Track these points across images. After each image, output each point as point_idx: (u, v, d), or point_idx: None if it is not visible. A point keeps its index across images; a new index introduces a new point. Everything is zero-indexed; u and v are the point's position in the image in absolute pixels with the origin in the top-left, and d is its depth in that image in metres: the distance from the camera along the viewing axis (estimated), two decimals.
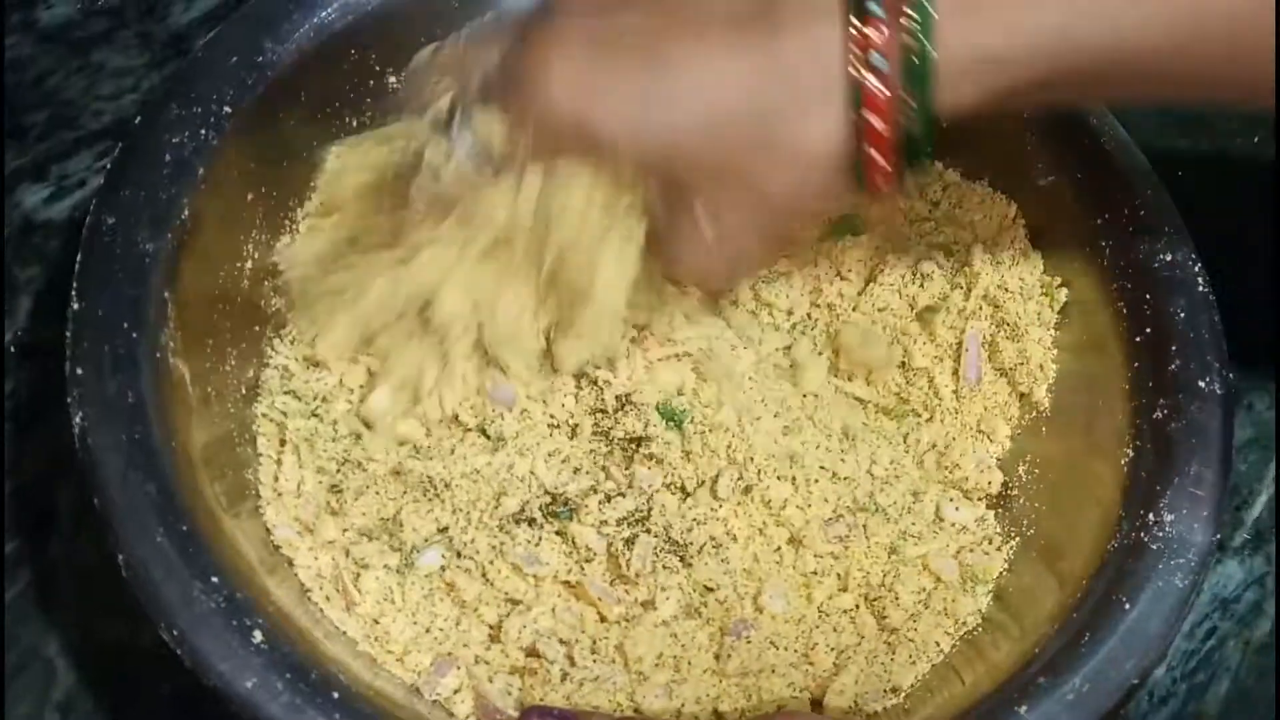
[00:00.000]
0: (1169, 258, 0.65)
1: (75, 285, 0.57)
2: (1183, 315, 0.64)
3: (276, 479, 0.62)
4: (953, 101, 0.49)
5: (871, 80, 0.48)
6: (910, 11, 0.46)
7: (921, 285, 0.70)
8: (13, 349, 0.68)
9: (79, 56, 0.78)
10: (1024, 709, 0.54)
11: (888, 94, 0.48)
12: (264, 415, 0.64)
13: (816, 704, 0.59)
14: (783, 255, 0.68)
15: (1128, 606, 0.57)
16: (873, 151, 0.49)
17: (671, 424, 0.62)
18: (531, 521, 0.61)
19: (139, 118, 0.62)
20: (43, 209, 0.73)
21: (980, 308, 0.70)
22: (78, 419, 0.54)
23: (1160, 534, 0.58)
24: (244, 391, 0.64)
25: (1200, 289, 0.65)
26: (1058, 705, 0.54)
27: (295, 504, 0.62)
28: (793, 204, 0.53)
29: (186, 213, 0.60)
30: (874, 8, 0.47)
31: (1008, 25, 0.47)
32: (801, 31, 0.48)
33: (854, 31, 0.47)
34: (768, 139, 0.49)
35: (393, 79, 0.71)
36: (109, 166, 0.61)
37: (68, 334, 0.56)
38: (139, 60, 0.79)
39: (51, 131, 0.75)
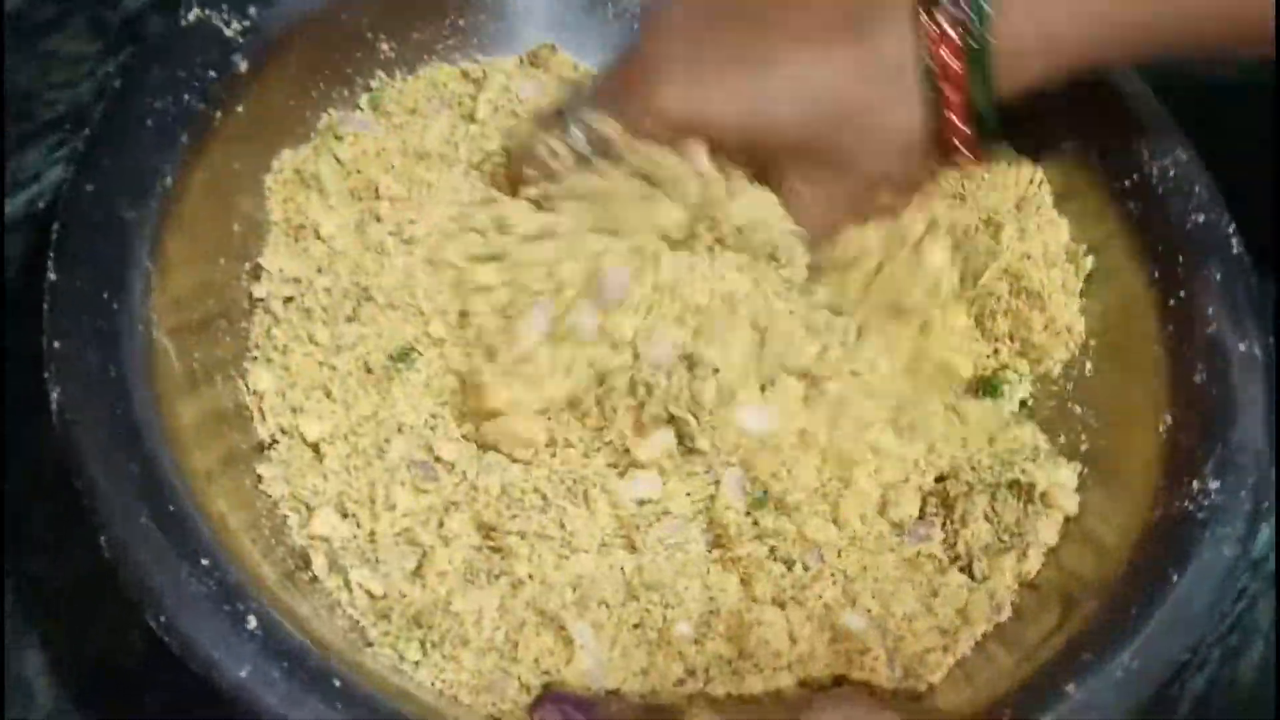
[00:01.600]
0: (1200, 219, 0.63)
1: (52, 255, 0.54)
2: (1218, 278, 0.61)
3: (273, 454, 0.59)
4: (1016, 80, 0.55)
5: (944, 64, 0.55)
6: (966, 7, 0.54)
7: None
8: None
9: (28, 45, 0.74)
10: (1070, 687, 0.51)
11: (960, 71, 0.55)
12: (255, 391, 0.60)
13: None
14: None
15: (1175, 579, 0.54)
16: (952, 122, 0.56)
17: None
18: None
19: (119, 81, 0.59)
20: None
21: (1000, 278, 0.68)
22: (55, 394, 0.51)
23: (1205, 503, 0.55)
24: (234, 366, 0.60)
25: (1235, 250, 0.62)
26: (1105, 683, 0.51)
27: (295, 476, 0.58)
28: (882, 176, 0.59)
29: (170, 180, 0.57)
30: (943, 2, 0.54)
31: (1070, 9, 0.54)
32: (882, 31, 0.55)
33: (926, 24, 0.54)
34: (859, 123, 0.56)
35: (385, 45, 0.69)
36: (87, 132, 0.58)
37: (44, 307, 0.53)
38: (92, 47, 0.74)
39: (3, 124, 0.71)
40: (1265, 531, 0.68)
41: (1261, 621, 0.67)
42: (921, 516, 0.62)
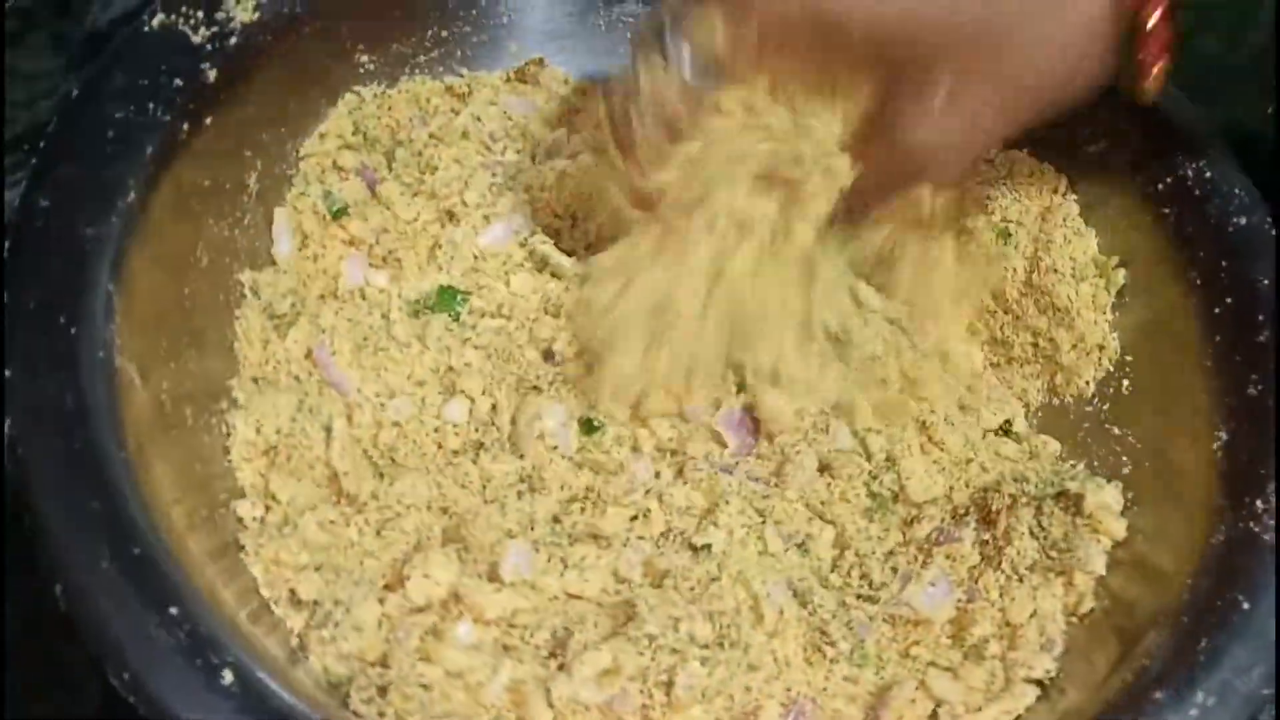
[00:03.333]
0: (1243, 221, 0.58)
1: (5, 275, 0.49)
2: (1266, 281, 0.57)
3: (253, 499, 0.54)
4: None
5: None
6: None
7: None
8: None
9: None
10: None
11: None
12: (237, 421, 0.55)
13: None
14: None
15: (1245, 606, 0.49)
16: (1152, 15, 0.47)
17: None
18: None
19: (75, 91, 0.54)
20: None
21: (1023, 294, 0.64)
22: (7, 425, 0.46)
23: (1272, 523, 0.51)
24: (210, 400, 0.55)
25: None
26: None
27: (279, 537, 0.53)
28: (1044, 82, 0.50)
29: (133, 195, 0.52)
30: None
31: None
32: None
33: None
34: (1027, 9, 0.47)
35: (363, 56, 0.64)
36: (42, 144, 0.53)
37: None
38: (53, 63, 0.70)
39: None
40: None
41: None
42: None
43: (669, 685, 0.49)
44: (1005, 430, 0.63)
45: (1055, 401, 0.64)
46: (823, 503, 0.58)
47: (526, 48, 0.69)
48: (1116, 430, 0.61)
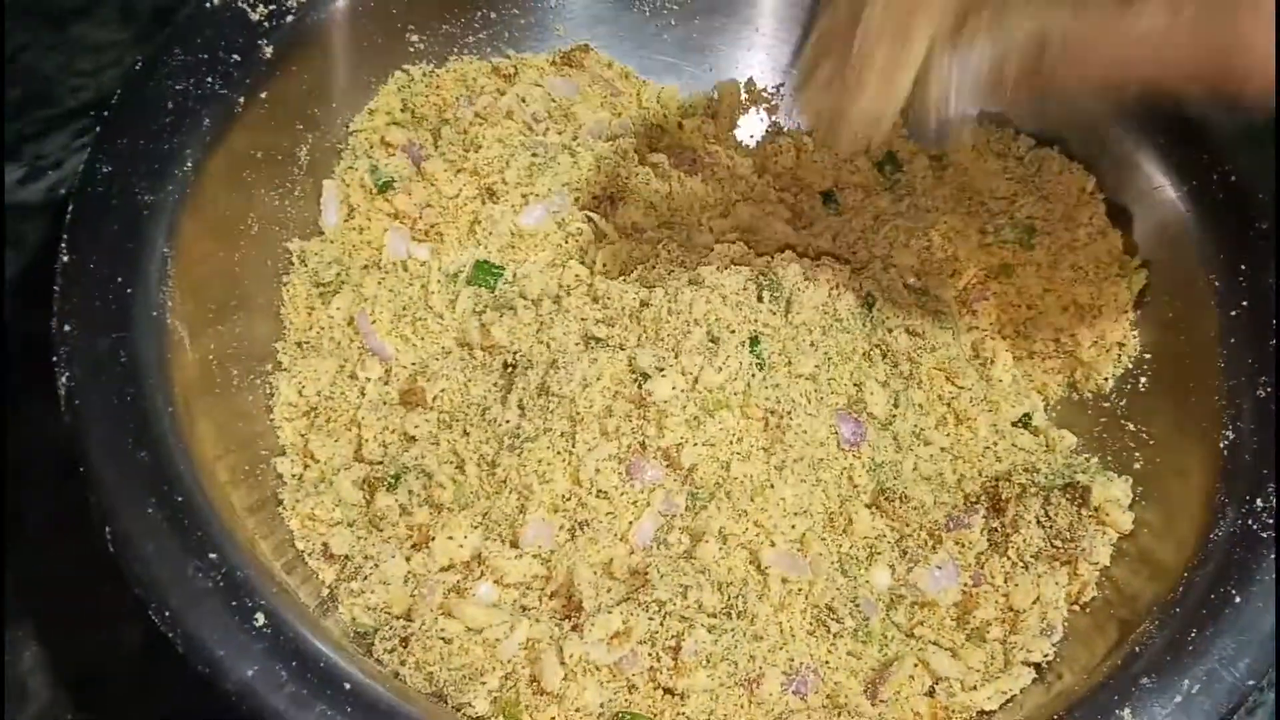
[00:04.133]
0: (1264, 226, 0.60)
1: (65, 237, 0.52)
2: None
3: (292, 456, 0.57)
4: None
5: None
6: None
7: None
8: None
9: (56, 31, 0.72)
10: (1126, 712, 0.48)
11: None
12: (281, 383, 0.58)
13: None
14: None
15: (1238, 600, 0.51)
16: None
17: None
18: None
19: (138, 64, 0.57)
20: (16, 191, 0.67)
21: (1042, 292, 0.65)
22: (64, 378, 0.49)
23: (1270, 520, 0.52)
24: (255, 362, 0.58)
25: None
26: (1164, 708, 0.48)
27: (315, 494, 0.56)
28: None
29: (190, 164, 0.55)
30: None
31: None
32: None
33: None
34: None
35: (414, 36, 0.67)
36: (106, 114, 0.56)
37: (56, 288, 0.51)
38: (121, 34, 0.73)
39: (26, 109, 0.69)
40: None
41: None
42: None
43: (676, 650, 0.52)
44: (1025, 423, 0.64)
45: (1074, 396, 0.65)
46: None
47: (572, 30, 0.71)
48: (1131, 426, 0.62)
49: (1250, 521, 0.53)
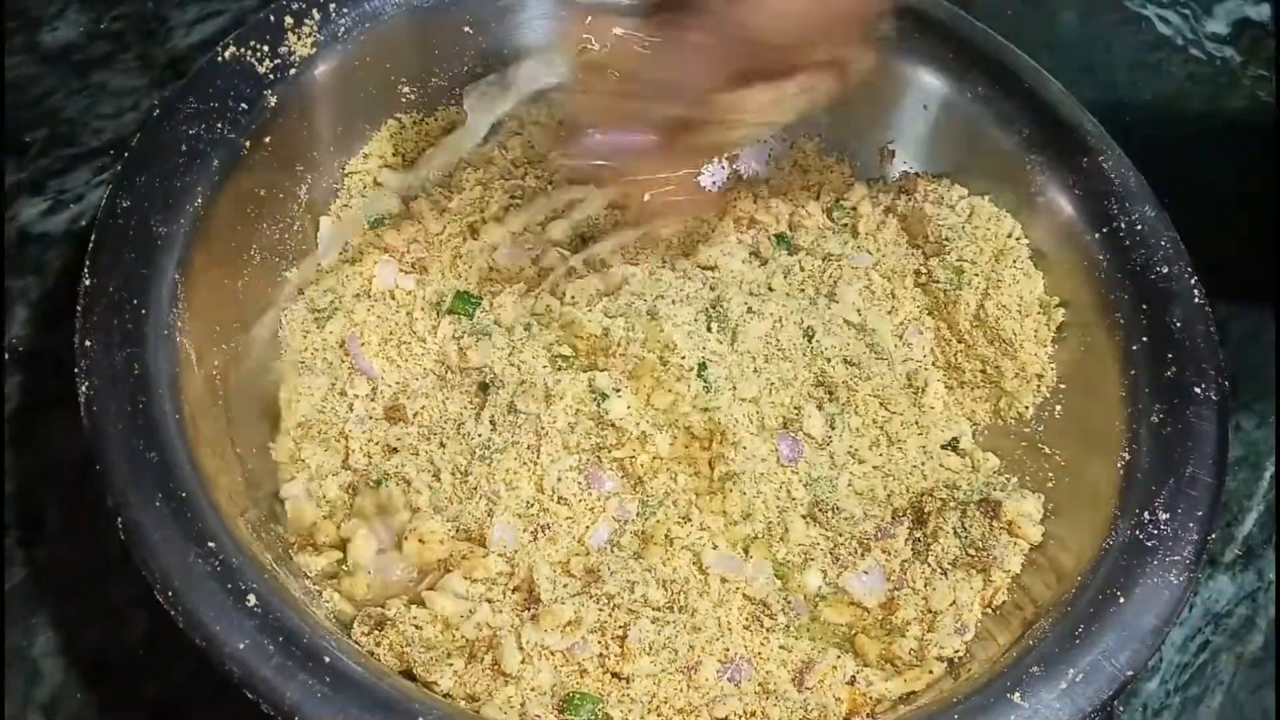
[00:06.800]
0: (1165, 270, 0.66)
1: (88, 262, 0.58)
2: (1179, 324, 0.65)
3: (288, 464, 0.63)
4: None
5: None
6: None
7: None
8: (7, 357, 0.68)
9: (80, 77, 0.79)
10: (1017, 696, 0.54)
11: None
12: (279, 397, 0.65)
13: None
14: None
15: (1122, 600, 0.57)
16: None
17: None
18: None
19: (156, 110, 0.64)
20: (40, 222, 0.73)
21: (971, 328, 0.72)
22: (84, 388, 0.55)
23: (1156, 532, 0.59)
24: (254, 377, 0.64)
25: (1196, 300, 0.66)
26: (1051, 694, 0.54)
27: (305, 495, 0.62)
28: None
29: (200, 200, 0.62)
30: None
31: None
32: None
33: None
34: None
35: (406, 88, 0.73)
36: (125, 154, 0.62)
37: (78, 308, 0.57)
38: (139, 81, 0.80)
39: (51, 148, 0.76)
40: (1229, 586, 0.71)
41: (1223, 673, 0.69)
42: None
43: (623, 638, 0.58)
44: (953, 445, 0.71)
45: (999, 422, 0.72)
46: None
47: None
48: (1047, 449, 0.69)
49: (1138, 532, 0.59)
